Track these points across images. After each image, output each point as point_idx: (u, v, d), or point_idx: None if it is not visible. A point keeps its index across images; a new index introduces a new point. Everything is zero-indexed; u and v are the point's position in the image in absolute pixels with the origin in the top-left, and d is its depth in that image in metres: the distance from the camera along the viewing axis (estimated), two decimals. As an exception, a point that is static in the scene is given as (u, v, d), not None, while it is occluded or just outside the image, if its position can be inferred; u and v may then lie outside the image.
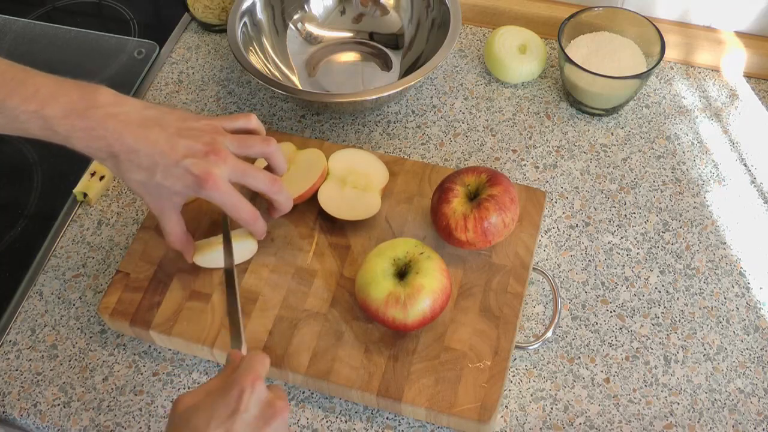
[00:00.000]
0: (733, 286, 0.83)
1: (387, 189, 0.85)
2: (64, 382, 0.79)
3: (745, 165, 0.92)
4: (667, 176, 0.91)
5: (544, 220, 0.88)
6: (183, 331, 0.76)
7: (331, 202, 0.81)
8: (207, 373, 0.78)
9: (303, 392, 0.77)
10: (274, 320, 0.76)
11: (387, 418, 0.75)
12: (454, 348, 0.74)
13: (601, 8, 0.95)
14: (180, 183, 0.68)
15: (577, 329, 0.80)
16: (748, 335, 0.79)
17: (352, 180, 0.83)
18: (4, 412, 0.77)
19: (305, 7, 1.04)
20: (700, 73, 1.00)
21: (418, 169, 0.87)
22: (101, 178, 0.91)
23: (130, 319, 0.77)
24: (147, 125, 0.68)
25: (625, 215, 0.88)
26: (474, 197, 0.76)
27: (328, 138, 0.96)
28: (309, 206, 0.84)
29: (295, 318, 0.76)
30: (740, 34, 0.99)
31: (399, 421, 0.75)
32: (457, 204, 0.76)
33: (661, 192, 0.90)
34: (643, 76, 0.89)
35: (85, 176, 0.91)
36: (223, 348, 0.75)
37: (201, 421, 0.57)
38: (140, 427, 0.75)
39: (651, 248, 0.85)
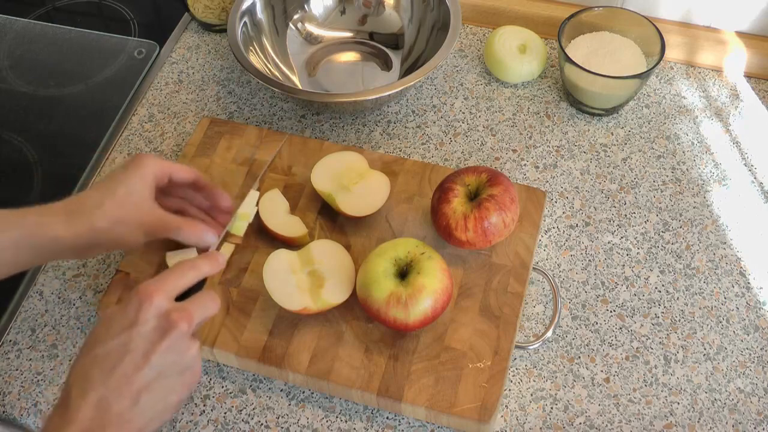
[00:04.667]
0: (733, 286, 0.83)
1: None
2: (64, 382, 0.79)
3: (746, 165, 0.92)
4: (667, 176, 0.91)
5: (544, 220, 0.88)
6: (183, 330, 0.76)
7: (350, 204, 0.81)
8: (207, 373, 0.78)
9: (303, 392, 0.77)
10: (274, 320, 0.76)
11: (387, 418, 0.75)
12: (454, 348, 0.74)
13: (601, 8, 0.95)
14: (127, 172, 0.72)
15: (577, 329, 0.80)
16: (748, 335, 0.79)
17: (349, 178, 0.83)
18: (4, 412, 0.77)
19: (305, 7, 1.04)
20: (700, 72, 1.00)
21: (418, 168, 0.87)
22: None
23: None
24: None
25: (625, 215, 0.88)
26: (474, 197, 0.76)
27: (328, 138, 0.96)
28: (309, 206, 0.84)
29: (295, 317, 0.76)
30: (741, 34, 0.99)
31: (399, 421, 0.75)
32: (457, 204, 0.76)
33: (661, 192, 0.90)
34: (643, 76, 0.89)
35: None
36: (223, 347, 0.75)
37: (101, 330, 0.58)
38: (140, 427, 0.75)
39: (651, 248, 0.85)
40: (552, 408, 0.75)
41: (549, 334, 0.78)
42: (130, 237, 0.71)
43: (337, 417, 0.75)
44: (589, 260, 0.85)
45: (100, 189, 0.71)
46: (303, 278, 0.76)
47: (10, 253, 0.67)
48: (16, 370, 0.80)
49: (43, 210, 0.69)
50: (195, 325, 0.60)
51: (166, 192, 0.77)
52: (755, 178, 0.91)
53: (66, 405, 0.56)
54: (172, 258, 0.79)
